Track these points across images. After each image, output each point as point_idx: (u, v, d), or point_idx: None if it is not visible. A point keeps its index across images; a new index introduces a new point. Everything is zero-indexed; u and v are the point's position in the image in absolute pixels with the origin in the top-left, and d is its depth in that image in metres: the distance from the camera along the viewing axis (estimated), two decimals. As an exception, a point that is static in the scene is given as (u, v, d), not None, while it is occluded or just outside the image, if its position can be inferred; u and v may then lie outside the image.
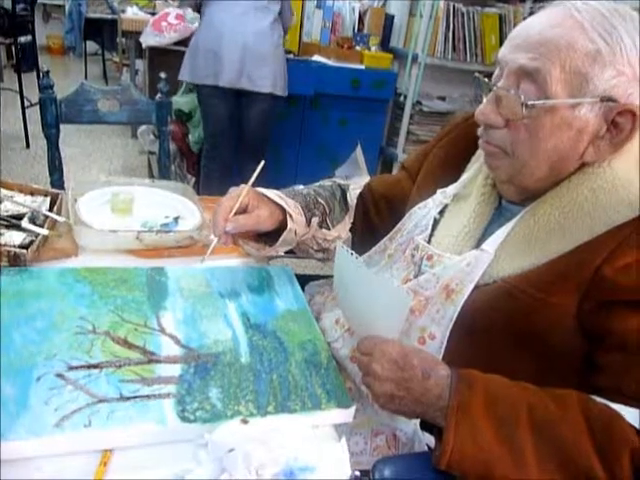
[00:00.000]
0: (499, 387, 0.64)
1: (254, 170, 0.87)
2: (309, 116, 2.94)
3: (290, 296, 0.84)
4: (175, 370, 0.64)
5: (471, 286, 0.71)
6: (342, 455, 0.59)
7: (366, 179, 0.97)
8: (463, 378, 0.64)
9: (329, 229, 0.93)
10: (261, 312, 0.78)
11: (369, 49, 3.06)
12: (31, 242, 0.83)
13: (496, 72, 0.71)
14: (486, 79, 0.73)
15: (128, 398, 0.58)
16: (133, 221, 0.98)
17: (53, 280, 0.77)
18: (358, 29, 3.15)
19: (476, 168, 0.82)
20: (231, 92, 2.31)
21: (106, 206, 1.00)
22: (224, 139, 2.47)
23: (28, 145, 3.50)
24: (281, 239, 0.84)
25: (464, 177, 0.83)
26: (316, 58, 2.90)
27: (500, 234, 0.73)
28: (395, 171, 1.08)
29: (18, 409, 0.54)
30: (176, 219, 1.00)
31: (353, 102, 2.95)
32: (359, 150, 0.91)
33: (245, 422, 0.56)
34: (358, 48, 3.06)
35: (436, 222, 0.82)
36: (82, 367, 0.62)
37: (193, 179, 2.77)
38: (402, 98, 3.10)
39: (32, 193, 0.97)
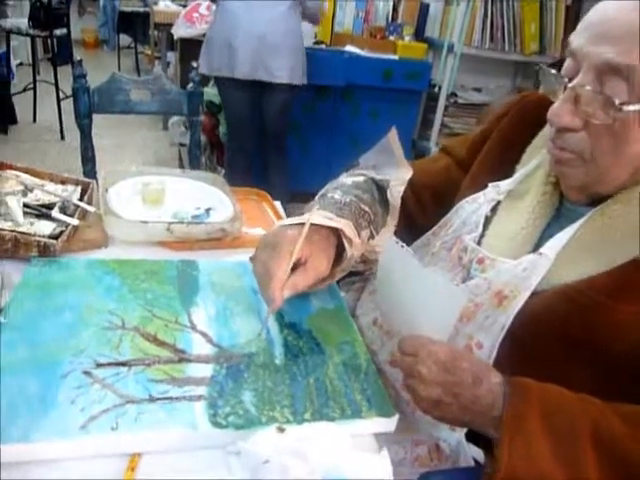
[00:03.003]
0: (557, 399, 0.58)
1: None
2: (340, 108, 2.88)
3: (325, 293, 0.79)
4: (206, 370, 0.60)
5: (527, 293, 0.64)
6: (384, 467, 0.55)
7: (408, 173, 0.89)
8: (517, 387, 0.58)
9: (373, 237, 0.84)
10: (295, 310, 0.74)
11: (403, 39, 2.98)
12: (61, 232, 0.81)
13: (567, 64, 0.63)
14: (553, 71, 0.66)
15: (157, 399, 0.55)
16: (164, 212, 0.95)
17: (82, 272, 0.75)
18: (392, 18, 3.07)
19: (534, 164, 0.76)
20: (249, 83, 2.26)
21: (137, 196, 0.98)
22: (245, 130, 2.44)
23: (63, 137, 3.55)
24: (340, 268, 0.75)
25: (520, 172, 0.77)
26: (348, 48, 2.84)
27: (562, 237, 0.66)
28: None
29: (43, 408, 0.52)
30: (207, 210, 0.97)
31: (385, 94, 2.88)
32: (393, 134, 0.81)
33: (281, 430, 0.51)
34: (391, 38, 2.99)
35: (487, 220, 0.76)
36: (110, 364, 0.59)
37: (223, 171, 2.76)
38: (436, 89, 3.02)
39: (63, 182, 0.95)
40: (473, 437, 0.68)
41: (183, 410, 0.54)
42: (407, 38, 2.99)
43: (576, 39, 0.61)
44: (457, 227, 0.79)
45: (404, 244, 0.68)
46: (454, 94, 3.05)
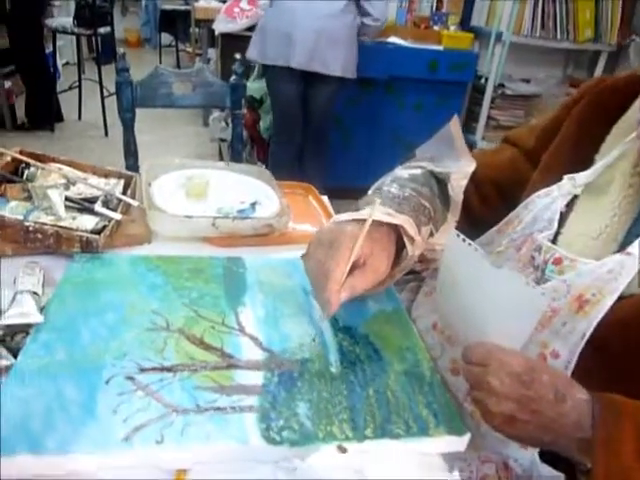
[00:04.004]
0: (657, 420, 0.50)
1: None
2: (383, 101, 2.80)
3: (382, 294, 0.73)
4: (257, 378, 0.55)
5: (613, 297, 0.57)
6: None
7: (471, 165, 0.81)
8: (609, 405, 0.51)
9: (432, 235, 0.77)
10: (350, 312, 0.68)
11: (448, 29, 2.87)
12: (104, 227, 0.77)
13: None
14: None
15: (205, 410, 0.50)
16: (208, 206, 0.91)
17: (125, 268, 0.71)
18: (436, 8, 2.96)
19: (616, 153, 0.67)
20: (300, 74, 2.26)
21: (180, 190, 0.94)
22: (292, 122, 2.43)
23: (107, 133, 3.60)
24: (400, 268, 0.69)
25: (600, 163, 0.68)
26: (391, 40, 2.76)
27: None
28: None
29: (84, 417, 0.48)
30: (253, 205, 0.92)
31: (430, 86, 2.79)
32: (455, 123, 0.74)
33: (343, 451, 0.46)
34: (436, 28, 2.88)
35: (562, 217, 0.68)
36: (154, 369, 0.54)
37: (263, 166, 2.73)
38: (483, 81, 2.90)
39: (106, 175, 0.92)
40: (548, 457, 0.61)
41: (233, 422, 0.49)
42: (452, 28, 2.88)
43: None
44: (527, 224, 0.71)
45: (471, 242, 0.62)
46: (501, 85, 2.93)
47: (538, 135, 0.80)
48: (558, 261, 0.65)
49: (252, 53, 2.29)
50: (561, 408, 0.51)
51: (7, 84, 3.42)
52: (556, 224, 0.68)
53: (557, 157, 0.75)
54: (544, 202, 0.71)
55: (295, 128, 2.44)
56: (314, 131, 2.48)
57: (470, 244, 0.60)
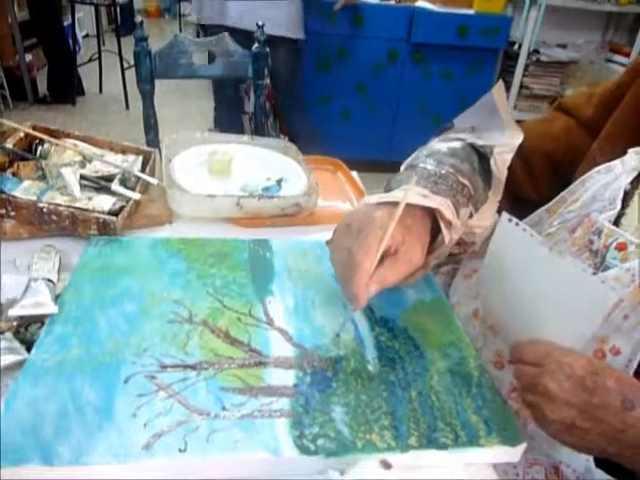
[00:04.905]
0: None
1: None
2: (409, 69, 2.69)
3: (421, 282, 0.67)
4: (288, 378, 0.50)
5: None
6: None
7: (518, 137, 0.73)
8: None
9: (471, 216, 0.69)
10: (387, 303, 0.62)
11: (480, -9, 2.71)
12: (122, 208, 0.73)
13: None
14: None
15: (231, 414, 0.46)
16: (231, 184, 0.85)
17: (145, 253, 0.66)
18: (468, -31, 2.80)
19: None
20: (243, 35, 2.05)
21: (202, 167, 0.89)
22: (232, 86, 2.33)
23: (128, 106, 3.56)
24: (435, 255, 0.63)
25: None
26: (419, 4, 2.62)
27: None
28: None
29: (101, 421, 0.44)
30: (279, 182, 0.86)
31: (459, 53, 2.65)
32: (500, 89, 0.66)
33: (387, 467, 0.41)
34: (467, -9, 2.73)
35: (627, 196, 0.61)
36: (177, 367, 0.50)
37: (286, 139, 2.66)
38: (516, 47, 2.75)
39: (124, 151, 0.87)
40: (606, 463, 0.55)
41: (262, 429, 0.45)
42: (485, -10, 2.72)
43: None
44: (584, 203, 0.64)
45: (527, 227, 0.55)
46: (536, 51, 2.77)
47: (598, 103, 0.71)
48: (622, 246, 0.58)
49: (193, 12, 2.15)
50: (628, 417, 0.45)
51: (28, 57, 3.38)
52: (619, 204, 0.61)
53: (620, 128, 0.67)
54: (605, 179, 0.63)
55: (235, 92, 2.34)
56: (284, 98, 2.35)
57: (525, 229, 0.54)
